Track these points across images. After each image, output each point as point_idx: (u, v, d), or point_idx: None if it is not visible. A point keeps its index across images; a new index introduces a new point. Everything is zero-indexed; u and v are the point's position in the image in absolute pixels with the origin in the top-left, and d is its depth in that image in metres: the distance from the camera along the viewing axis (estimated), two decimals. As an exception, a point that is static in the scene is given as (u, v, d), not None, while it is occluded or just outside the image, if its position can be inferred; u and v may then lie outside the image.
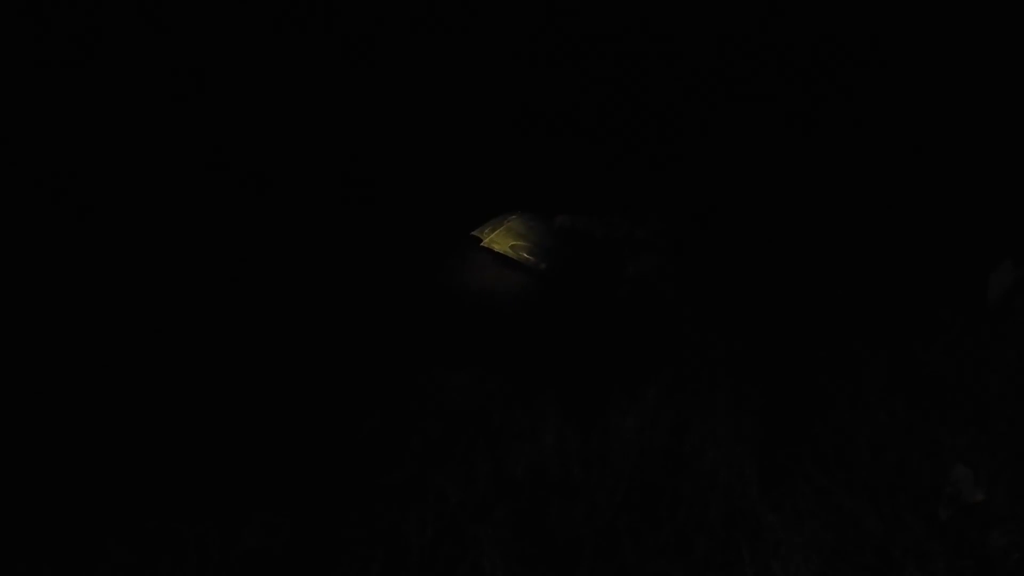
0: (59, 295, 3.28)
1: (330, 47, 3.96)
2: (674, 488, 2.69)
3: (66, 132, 3.58)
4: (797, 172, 3.82)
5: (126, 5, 3.64)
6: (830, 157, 3.78)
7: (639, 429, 2.76)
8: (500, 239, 3.21)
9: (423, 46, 4.04)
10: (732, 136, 3.99)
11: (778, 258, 3.53)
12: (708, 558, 2.53)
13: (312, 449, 2.75)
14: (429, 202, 3.70)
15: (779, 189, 3.73)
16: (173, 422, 2.88)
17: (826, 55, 3.94)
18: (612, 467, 2.68)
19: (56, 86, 3.58)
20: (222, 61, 3.82)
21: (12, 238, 3.36)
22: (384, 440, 2.77)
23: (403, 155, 3.91)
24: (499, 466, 2.65)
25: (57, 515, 2.54)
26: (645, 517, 2.61)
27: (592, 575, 2.43)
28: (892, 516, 2.59)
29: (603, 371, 2.94)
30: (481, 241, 3.24)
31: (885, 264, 3.39)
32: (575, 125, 4.02)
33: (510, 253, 3.17)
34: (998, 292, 2.91)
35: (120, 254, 3.46)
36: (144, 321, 3.27)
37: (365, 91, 3.97)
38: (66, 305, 3.26)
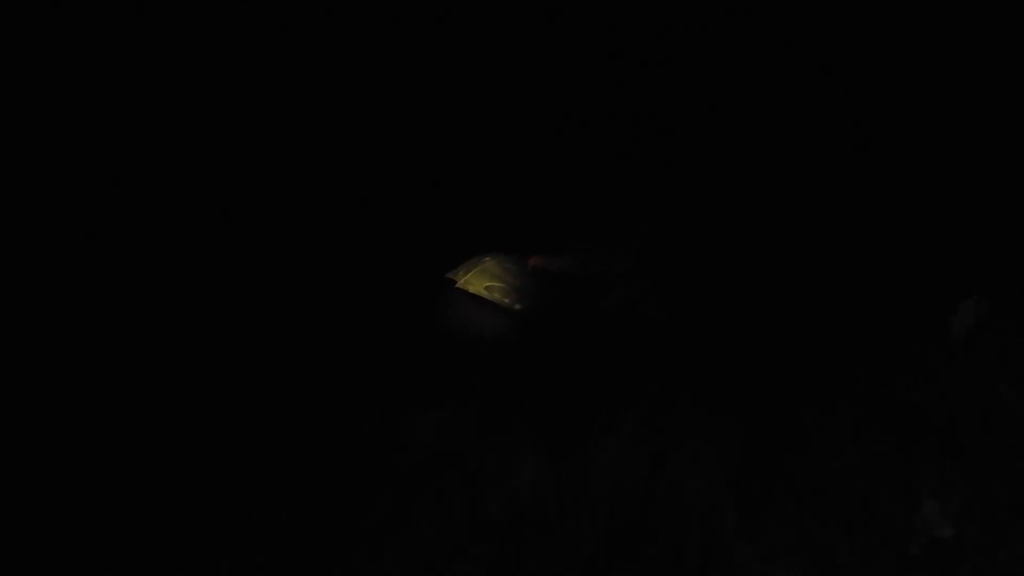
0: (57, 295, 3.29)
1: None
2: (650, 523, 2.70)
3: (65, 132, 3.56)
4: (777, 201, 3.85)
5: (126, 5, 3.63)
6: (808, 187, 3.82)
7: (615, 463, 2.77)
8: (475, 280, 3.21)
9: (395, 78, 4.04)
10: (714, 158, 4.02)
11: (756, 289, 3.55)
12: (684, 594, 2.54)
13: (285, 490, 2.73)
14: (406, 239, 3.70)
15: (757, 218, 3.75)
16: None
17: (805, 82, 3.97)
18: (588, 503, 2.69)
19: (55, 85, 3.57)
20: (221, 61, 3.81)
21: (13, 238, 3.36)
22: (357, 481, 2.76)
23: (382, 193, 3.91)
24: (475, 504, 2.65)
25: (53, 518, 2.55)
26: (622, 554, 2.62)
27: (568, 615, 2.43)
28: (865, 550, 2.61)
29: (580, 405, 2.94)
30: (456, 283, 3.23)
31: (860, 294, 3.42)
32: (551, 151, 4.02)
33: (484, 294, 3.17)
34: (961, 328, 2.95)
35: (119, 255, 3.47)
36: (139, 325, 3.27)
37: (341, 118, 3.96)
38: (63, 305, 3.27)
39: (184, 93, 3.75)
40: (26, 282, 3.26)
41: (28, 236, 3.37)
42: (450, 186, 3.93)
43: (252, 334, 3.28)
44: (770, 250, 3.58)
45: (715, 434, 2.94)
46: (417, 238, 3.69)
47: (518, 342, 3.13)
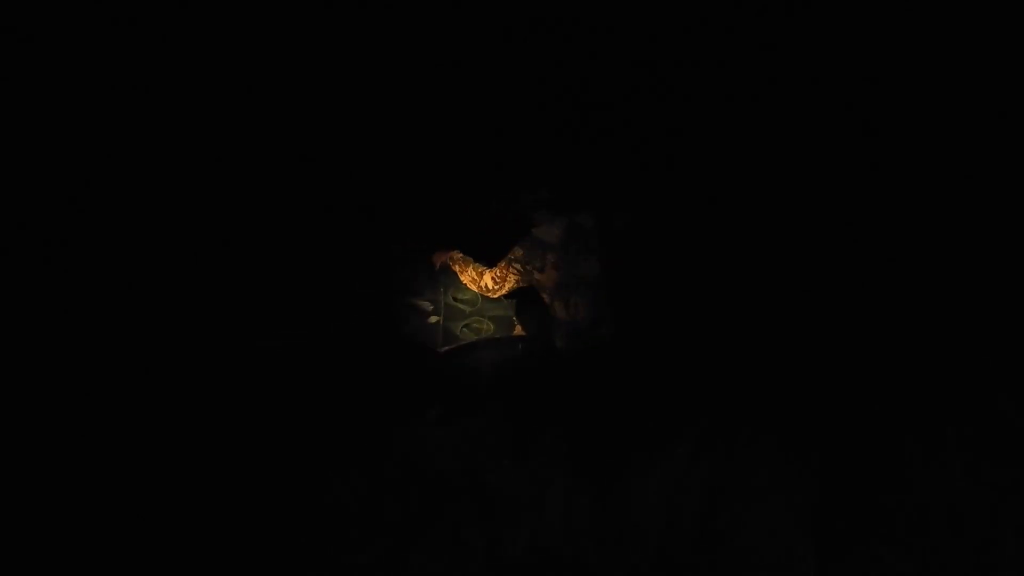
0: (57, 295, 3.26)
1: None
2: (709, 569, 2.23)
3: (65, 132, 3.57)
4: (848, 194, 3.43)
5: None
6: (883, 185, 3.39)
7: (665, 496, 2.31)
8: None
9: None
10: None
11: (835, 287, 3.06)
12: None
13: (270, 522, 2.34)
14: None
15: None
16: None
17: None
18: (632, 543, 2.22)
19: (55, 86, 3.57)
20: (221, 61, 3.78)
21: (13, 239, 3.37)
22: (355, 510, 2.35)
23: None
24: (494, 543, 2.21)
25: (53, 518, 2.40)
26: (673, 607, 2.15)
27: None
28: (984, 610, 2.09)
29: (621, 425, 2.48)
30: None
31: (966, 295, 2.90)
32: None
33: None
34: None
35: (119, 255, 3.45)
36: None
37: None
38: (63, 305, 3.24)
39: (183, 93, 3.74)
40: (26, 282, 3.23)
41: (28, 236, 3.36)
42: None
43: (252, 335, 3.11)
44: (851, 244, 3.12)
45: (788, 462, 2.46)
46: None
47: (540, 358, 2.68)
